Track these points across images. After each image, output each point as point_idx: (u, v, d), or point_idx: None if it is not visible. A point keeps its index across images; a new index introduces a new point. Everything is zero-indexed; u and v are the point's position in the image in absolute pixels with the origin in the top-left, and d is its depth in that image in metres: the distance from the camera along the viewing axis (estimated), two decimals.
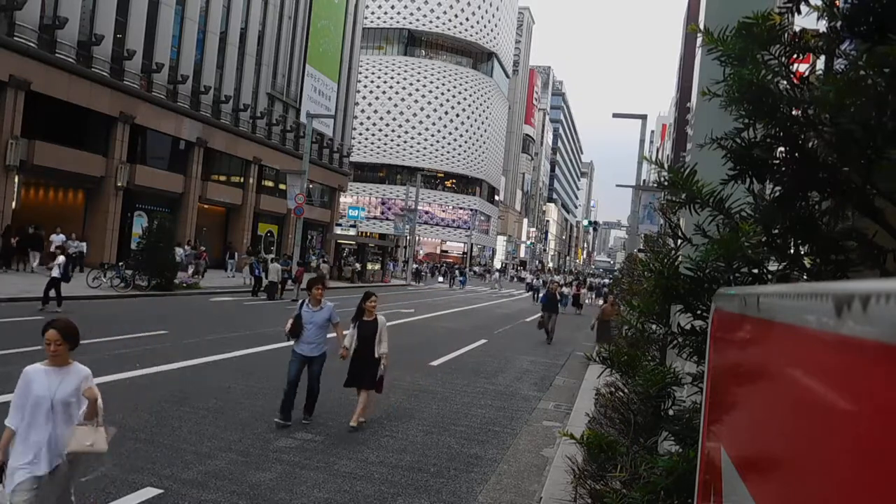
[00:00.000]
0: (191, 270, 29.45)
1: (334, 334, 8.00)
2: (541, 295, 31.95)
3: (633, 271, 12.25)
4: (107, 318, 15.10)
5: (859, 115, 1.47)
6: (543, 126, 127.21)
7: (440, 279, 56.14)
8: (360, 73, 60.64)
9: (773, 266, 1.95)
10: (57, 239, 22.34)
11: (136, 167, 29.20)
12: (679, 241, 2.28)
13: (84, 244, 25.94)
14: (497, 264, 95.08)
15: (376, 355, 7.52)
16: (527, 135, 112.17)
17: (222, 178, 36.88)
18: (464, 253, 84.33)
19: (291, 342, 7.71)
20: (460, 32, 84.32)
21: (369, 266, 40.06)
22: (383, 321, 7.67)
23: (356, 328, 7.59)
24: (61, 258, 15.41)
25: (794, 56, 1.84)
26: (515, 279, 72.77)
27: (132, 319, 14.86)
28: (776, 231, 1.85)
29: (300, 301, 7.80)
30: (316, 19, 43.19)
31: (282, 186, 38.29)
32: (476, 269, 75.11)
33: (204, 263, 30.30)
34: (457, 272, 52.55)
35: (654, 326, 3.10)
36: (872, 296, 0.47)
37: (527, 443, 7.76)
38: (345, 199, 59.12)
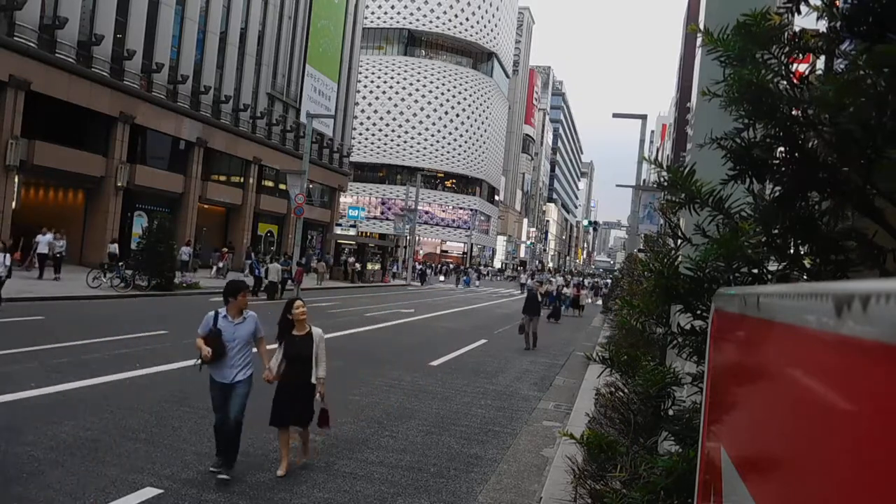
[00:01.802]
0: (213, 270, 30.02)
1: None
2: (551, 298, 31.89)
3: (633, 271, 12.26)
4: (107, 318, 15.10)
5: (859, 114, 1.47)
6: (543, 126, 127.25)
7: (441, 278, 56.39)
8: (360, 73, 60.67)
9: (773, 266, 1.95)
10: (43, 239, 21.76)
11: (136, 167, 29.23)
12: (679, 241, 2.28)
13: (115, 245, 25.98)
14: (497, 264, 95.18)
15: (312, 380, 5.85)
16: (527, 135, 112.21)
17: (222, 178, 36.91)
18: (464, 253, 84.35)
19: (199, 363, 5.79)
20: (460, 32, 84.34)
21: (369, 266, 40.08)
22: (320, 335, 5.93)
23: (282, 347, 5.87)
24: (5, 255, 14.58)
25: (794, 56, 1.84)
26: (514, 279, 72.68)
27: (132, 319, 14.86)
28: (776, 231, 1.85)
29: (213, 312, 5.83)
30: (316, 19, 43.21)
31: (282, 186, 38.33)
32: (480, 269, 75.54)
33: (226, 264, 30.58)
34: (462, 272, 53.44)
35: (653, 326, 3.10)
36: (872, 296, 0.47)
37: (527, 443, 7.76)
38: (345, 199, 59.15)
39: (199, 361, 5.73)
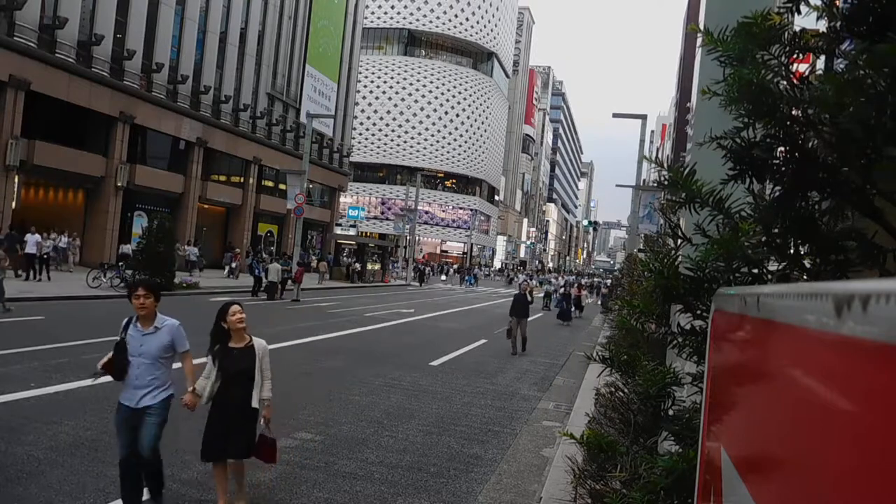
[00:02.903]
0: (226, 271, 30.62)
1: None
2: (554, 299, 31.64)
3: (633, 271, 12.27)
4: (107, 318, 15.09)
5: (859, 114, 1.47)
6: (543, 126, 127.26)
7: (442, 278, 56.53)
8: (360, 73, 60.69)
9: (773, 266, 1.95)
10: (31, 239, 21.41)
11: (136, 167, 29.25)
12: (679, 241, 2.28)
13: (128, 246, 26.00)
14: (497, 264, 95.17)
15: (253, 403, 4.73)
16: (527, 135, 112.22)
17: (222, 178, 36.94)
18: (464, 253, 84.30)
19: (96, 380, 5.10)
20: (460, 32, 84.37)
21: (369, 266, 40.09)
22: (263, 347, 4.87)
23: (216, 362, 4.77)
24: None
25: (794, 56, 1.84)
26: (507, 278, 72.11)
27: None
28: (776, 231, 1.85)
29: (126, 319, 4.91)
30: (316, 19, 43.22)
31: (282, 186, 38.34)
32: (485, 269, 75.75)
33: (237, 265, 31.04)
34: (465, 272, 54.06)
35: (653, 326, 3.10)
36: (872, 296, 0.47)
37: (527, 443, 7.76)
38: (345, 199, 59.18)
39: (95, 376, 4.87)
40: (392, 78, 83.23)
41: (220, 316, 4.81)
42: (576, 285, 34.20)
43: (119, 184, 28.21)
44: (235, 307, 4.83)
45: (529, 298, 16.55)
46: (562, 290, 29.97)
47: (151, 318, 4.76)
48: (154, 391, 4.70)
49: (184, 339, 4.89)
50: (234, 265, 31.36)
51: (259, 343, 4.86)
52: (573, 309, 26.98)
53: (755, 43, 1.79)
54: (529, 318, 16.58)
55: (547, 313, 29.37)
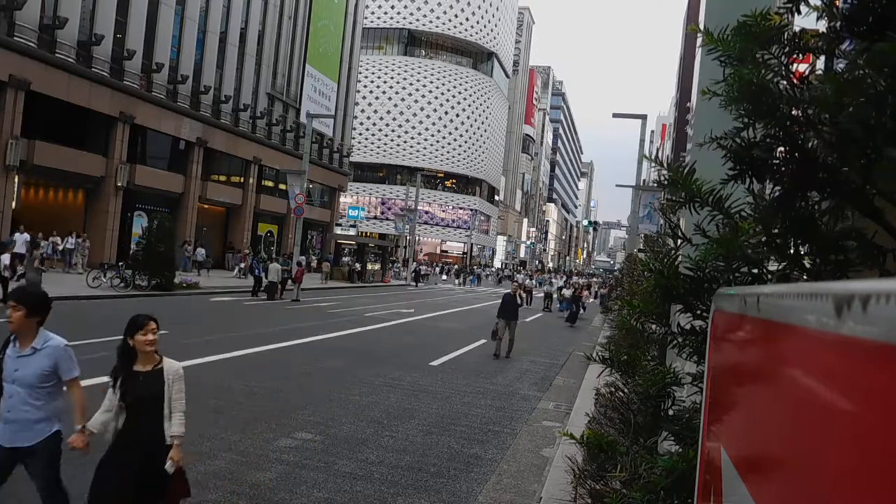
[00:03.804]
0: (235, 271, 31.05)
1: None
2: (555, 299, 31.49)
3: (633, 271, 12.27)
4: (107, 318, 15.10)
5: (859, 114, 1.47)
6: (543, 126, 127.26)
7: (444, 277, 56.61)
8: (360, 73, 60.70)
9: (773, 266, 1.95)
10: (20, 238, 21.17)
11: (136, 167, 29.26)
12: (679, 241, 2.28)
13: (127, 246, 26.01)
14: (497, 264, 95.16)
15: (167, 439, 3.78)
16: (527, 135, 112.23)
17: (222, 178, 36.95)
18: (464, 253, 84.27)
19: None
20: (460, 32, 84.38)
21: (369, 266, 40.10)
22: (176, 372, 3.90)
23: (118, 389, 3.81)
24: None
25: (794, 56, 1.84)
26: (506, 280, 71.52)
27: None
28: (776, 231, 1.85)
29: (7, 338, 3.96)
30: (316, 19, 43.23)
31: (282, 186, 38.36)
32: (486, 269, 75.88)
33: (244, 265, 31.48)
34: (468, 272, 54.94)
35: (654, 326, 3.10)
36: (872, 296, 0.47)
37: (527, 443, 7.76)
38: (345, 199, 59.20)
39: None
40: (392, 78, 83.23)
41: (129, 330, 3.84)
42: (579, 287, 34.14)
43: (119, 184, 28.22)
44: (151, 324, 3.86)
45: (519, 301, 15.76)
46: (566, 291, 29.80)
47: (30, 336, 3.82)
48: (32, 427, 3.86)
49: (71, 363, 3.98)
50: (242, 265, 32.01)
51: (170, 365, 3.90)
52: (579, 311, 26.85)
53: (755, 43, 1.79)
54: (528, 319, 16.41)
55: (547, 314, 29.38)
